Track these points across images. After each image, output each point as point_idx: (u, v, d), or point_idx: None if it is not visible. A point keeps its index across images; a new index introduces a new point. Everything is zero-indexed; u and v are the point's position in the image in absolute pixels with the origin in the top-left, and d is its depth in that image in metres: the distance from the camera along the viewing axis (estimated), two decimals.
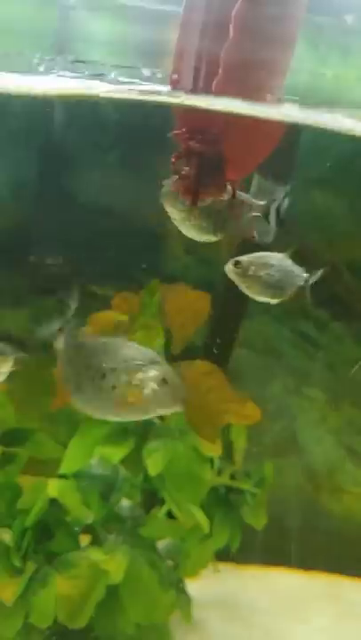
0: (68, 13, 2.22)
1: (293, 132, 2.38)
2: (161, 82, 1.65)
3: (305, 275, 1.88)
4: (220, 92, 1.27)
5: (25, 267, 2.64)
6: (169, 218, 2.44)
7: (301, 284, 1.88)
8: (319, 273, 1.90)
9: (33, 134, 2.63)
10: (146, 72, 1.76)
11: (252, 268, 1.84)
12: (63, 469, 2.03)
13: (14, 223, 2.57)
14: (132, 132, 2.52)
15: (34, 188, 2.70)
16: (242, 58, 1.23)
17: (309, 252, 2.63)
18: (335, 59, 2.29)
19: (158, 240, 2.65)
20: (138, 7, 2.15)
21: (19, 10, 2.21)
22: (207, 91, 1.28)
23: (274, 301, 1.87)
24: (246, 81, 1.26)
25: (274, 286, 1.86)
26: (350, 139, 2.48)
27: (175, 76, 1.35)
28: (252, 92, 1.28)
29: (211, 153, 1.30)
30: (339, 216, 2.68)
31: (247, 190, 2.53)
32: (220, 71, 1.24)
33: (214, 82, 1.26)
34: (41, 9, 2.26)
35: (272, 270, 1.85)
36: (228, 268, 1.78)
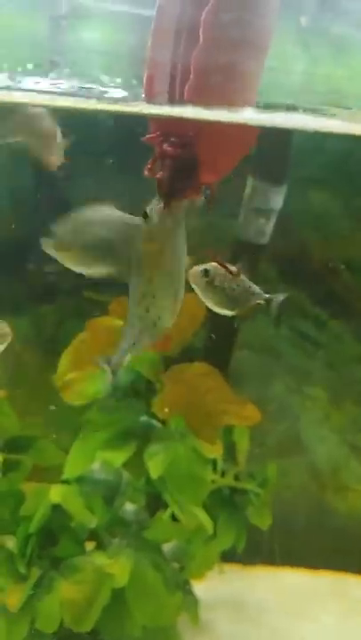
0: (60, 23, 2.24)
1: (285, 132, 2.40)
2: None
3: (265, 295, 1.82)
4: (192, 99, 1.28)
5: (24, 275, 2.65)
6: None
7: (261, 302, 1.82)
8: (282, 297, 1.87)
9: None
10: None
11: (218, 279, 1.79)
12: (66, 474, 2.05)
13: (12, 231, 2.59)
14: (124, 141, 2.54)
15: (31, 196, 2.72)
16: (212, 63, 1.24)
17: (306, 252, 2.65)
18: (327, 58, 2.30)
19: None
20: (130, 14, 2.16)
21: (7, 20, 2.23)
22: (181, 98, 1.29)
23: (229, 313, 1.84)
24: (218, 86, 1.26)
25: (234, 300, 1.82)
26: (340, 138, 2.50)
27: (148, 85, 1.36)
28: (224, 97, 1.29)
29: (184, 155, 1.30)
30: (335, 215, 2.69)
31: (241, 193, 2.55)
32: (192, 77, 1.25)
33: (186, 88, 1.26)
34: (31, 19, 2.28)
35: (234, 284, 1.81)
36: (194, 273, 1.70)
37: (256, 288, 1.74)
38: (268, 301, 1.78)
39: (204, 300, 1.74)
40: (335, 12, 1.83)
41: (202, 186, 1.35)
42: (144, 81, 1.38)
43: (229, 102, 1.30)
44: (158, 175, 1.32)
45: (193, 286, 1.72)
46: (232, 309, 1.77)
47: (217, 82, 1.26)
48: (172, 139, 1.30)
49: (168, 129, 1.33)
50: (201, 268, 1.71)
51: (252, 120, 1.37)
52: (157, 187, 1.32)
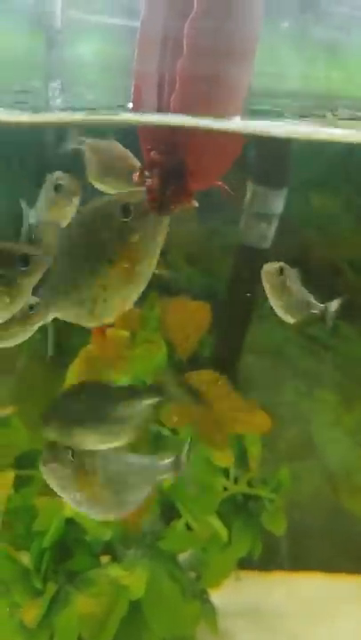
0: (55, 38, 2.25)
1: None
2: None
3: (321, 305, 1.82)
4: (178, 109, 1.28)
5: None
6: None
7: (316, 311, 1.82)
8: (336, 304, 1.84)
9: (27, 161, 2.66)
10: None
11: (290, 279, 1.74)
12: None
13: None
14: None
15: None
16: (197, 73, 1.24)
17: (309, 254, 2.64)
18: (323, 60, 2.30)
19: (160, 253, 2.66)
20: (126, 27, 2.17)
21: (3, 38, 2.24)
22: (169, 108, 1.30)
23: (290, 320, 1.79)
24: (204, 96, 1.27)
25: (298, 305, 1.78)
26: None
27: (136, 96, 1.36)
28: (210, 106, 1.29)
29: (172, 163, 1.30)
30: (336, 216, 2.69)
31: (242, 199, 2.56)
32: (177, 87, 1.25)
33: (172, 98, 1.27)
34: (27, 35, 2.29)
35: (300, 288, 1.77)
36: (270, 270, 1.67)
37: (311, 297, 1.76)
38: (322, 311, 1.82)
39: (273, 301, 1.70)
40: (317, 15, 1.83)
41: (192, 193, 1.35)
42: (132, 92, 1.38)
43: (215, 111, 1.30)
44: (147, 184, 1.32)
45: (265, 285, 1.69)
46: (294, 316, 1.76)
47: (202, 91, 1.26)
48: (160, 147, 1.30)
49: (156, 138, 1.33)
50: (276, 265, 1.69)
51: (240, 128, 1.37)
52: (147, 195, 1.32)
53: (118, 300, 1.36)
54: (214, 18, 1.23)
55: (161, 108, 1.32)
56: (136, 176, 1.33)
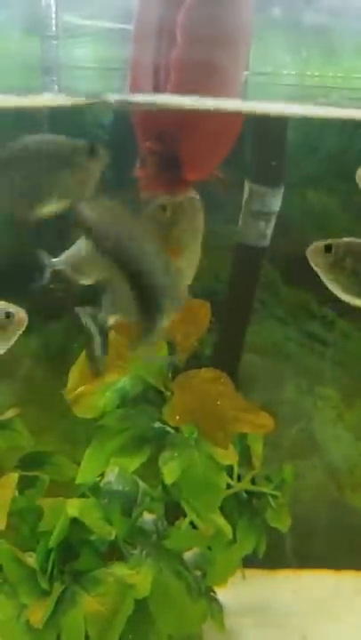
0: (51, 42, 2.27)
1: (281, 133, 2.42)
2: None
3: None
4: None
5: (30, 293, 2.67)
6: None
7: None
8: None
9: None
10: None
11: (348, 259, 1.50)
12: (78, 480, 2.07)
13: (15, 250, 2.61)
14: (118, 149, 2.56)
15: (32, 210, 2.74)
16: (191, 61, 1.26)
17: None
18: (318, 59, 2.32)
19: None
20: (121, 30, 2.19)
21: (1, 43, 2.26)
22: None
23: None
24: (198, 83, 1.28)
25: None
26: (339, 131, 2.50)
27: (133, 85, 1.38)
28: (205, 93, 1.31)
29: (168, 152, 1.32)
30: (333, 213, 2.70)
31: (239, 198, 2.57)
32: (172, 76, 1.27)
33: (168, 87, 1.29)
34: (23, 40, 2.31)
35: None
36: (314, 251, 1.48)
37: None
38: None
39: (328, 283, 1.51)
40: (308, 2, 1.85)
41: (188, 183, 1.37)
42: (128, 81, 1.41)
43: (211, 96, 1.32)
44: (142, 173, 1.34)
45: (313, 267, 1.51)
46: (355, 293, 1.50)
47: (197, 79, 1.28)
48: (155, 137, 1.32)
49: (151, 128, 1.35)
50: (322, 243, 1.50)
51: (239, 107, 1.39)
52: (142, 184, 1.34)
53: None
54: (208, 7, 1.25)
55: (157, 92, 1.35)
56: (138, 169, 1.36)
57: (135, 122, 1.44)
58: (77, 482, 2.09)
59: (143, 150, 1.36)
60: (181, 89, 1.28)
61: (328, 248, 1.48)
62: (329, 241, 1.49)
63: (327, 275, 1.49)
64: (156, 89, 1.35)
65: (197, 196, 1.41)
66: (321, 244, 1.50)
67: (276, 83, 2.08)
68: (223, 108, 1.38)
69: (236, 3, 1.28)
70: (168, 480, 1.96)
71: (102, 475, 2.17)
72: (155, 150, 1.31)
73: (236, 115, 1.52)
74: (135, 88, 1.39)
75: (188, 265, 1.47)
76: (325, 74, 2.26)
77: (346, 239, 1.51)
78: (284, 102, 1.75)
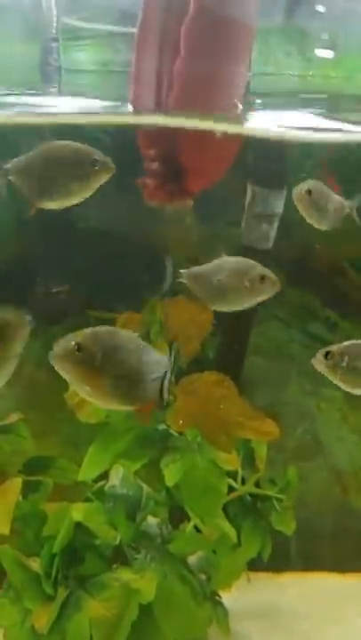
0: (51, 45, 2.27)
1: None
2: None
3: None
4: (176, 107, 1.29)
5: (32, 297, 2.67)
6: (168, 235, 2.46)
7: None
8: None
9: None
10: None
11: (346, 358, 1.76)
12: (80, 477, 2.07)
13: (17, 254, 2.61)
14: (120, 155, 2.56)
15: (33, 216, 2.74)
16: (194, 72, 1.25)
17: (311, 253, 2.64)
18: (322, 60, 2.31)
19: (160, 257, 2.67)
20: (120, 34, 2.18)
21: (1, 45, 2.26)
22: (167, 107, 1.31)
23: None
24: (201, 94, 1.28)
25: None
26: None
27: (135, 96, 1.38)
28: (207, 104, 1.30)
29: (170, 162, 1.32)
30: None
31: (242, 201, 2.56)
32: (175, 87, 1.27)
33: (171, 98, 1.28)
34: (24, 43, 2.31)
35: None
36: (317, 359, 1.72)
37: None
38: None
39: (340, 385, 1.72)
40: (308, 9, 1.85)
41: (190, 192, 1.37)
42: (130, 92, 1.40)
43: (213, 108, 1.32)
44: (146, 181, 1.34)
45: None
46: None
47: (199, 89, 1.28)
48: (158, 147, 1.32)
49: (154, 138, 1.35)
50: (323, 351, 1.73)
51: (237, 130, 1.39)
52: (146, 192, 1.34)
53: None
54: (211, 18, 1.25)
55: (159, 108, 1.34)
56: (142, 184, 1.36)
57: (139, 133, 1.44)
58: (79, 479, 2.08)
59: (146, 159, 1.36)
60: (183, 100, 1.28)
61: (327, 354, 1.71)
62: (328, 348, 1.72)
63: (332, 376, 1.72)
64: (158, 100, 1.35)
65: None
66: (321, 352, 1.72)
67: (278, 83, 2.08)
68: (222, 130, 1.38)
69: (240, 14, 1.27)
70: (169, 482, 1.96)
71: (106, 479, 2.17)
72: (157, 160, 1.31)
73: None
74: (137, 99, 1.38)
75: None
76: (328, 74, 2.25)
77: (345, 343, 1.75)
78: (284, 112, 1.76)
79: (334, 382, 1.74)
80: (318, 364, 1.72)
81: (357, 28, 2.01)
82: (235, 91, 1.31)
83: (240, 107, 1.38)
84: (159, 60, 1.32)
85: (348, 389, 1.76)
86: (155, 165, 1.31)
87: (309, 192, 1.88)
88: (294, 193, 1.83)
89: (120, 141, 2.56)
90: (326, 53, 2.04)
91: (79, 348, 1.50)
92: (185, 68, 1.25)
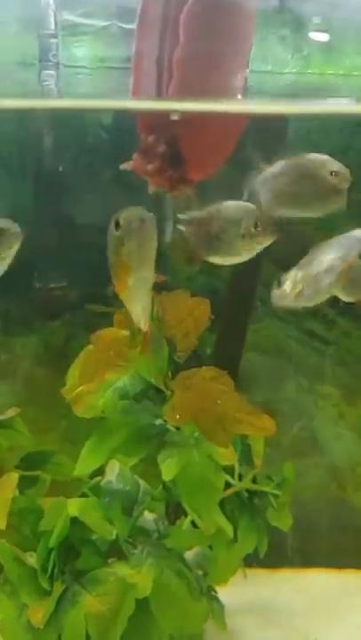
0: (49, 41, 2.26)
1: (280, 131, 2.41)
2: None
3: None
4: (177, 92, 1.29)
5: (30, 293, 2.67)
6: (168, 230, 2.46)
7: None
8: None
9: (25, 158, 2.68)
10: None
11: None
12: (76, 472, 2.07)
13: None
14: (119, 148, 2.56)
15: (33, 214, 2.75)
16: (194, 56, 1.25)
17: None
18: (319, 57, 2.31)
19: (159, 253, 2.67)
20: (120, 28, 2.18)
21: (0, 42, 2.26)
22: (167, 93, 1.31)
23: None
24: (201, 78, 1.28)
25: None
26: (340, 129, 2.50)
27: (136, 79, 1.38)
28: (208, 88, 1.30)
29: (170, 149, 1.32)
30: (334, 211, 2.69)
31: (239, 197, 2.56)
32: (175, 72, 1.27)
33: (171, 85, 1.28)
34: (21, 38, 2.30)
35: None
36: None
37: None
38: None
39: None
40: None
41: (191, 180, 1.36)
42: (131, 81, 1.40)
43: (214, 92, 1.31)
44: (149, 167, 1.33)
45: None
46: None
47: (199, 76, 1.28)
48: (158, 133, 1.32)
49: (154, 124, 1.35)
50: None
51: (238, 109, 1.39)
52: (150, 177, 1.34)
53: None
54: (209, 4, 1.24)
55: (160, 94, 1.34)
56: (130, 164, 1.35)
57: (139, 118, 1.44)
58: (75, 473, 2.08)
59: (145, 145, 1.35)
60: (184, 87, 1.28)
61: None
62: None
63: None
64: (160, 87, 1.35)
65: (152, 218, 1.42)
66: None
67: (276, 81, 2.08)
68: (225, 110, 1.38)
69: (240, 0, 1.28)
70: (166, 477, 1.96)
71: (102, 474, 2.17)
72: (157, 145, 1.31)
73: (240, 115, 1.52)
74: (138, 86, 1.38)
75: (137, 286, 1.50)
76: (326, 72, 2.25)
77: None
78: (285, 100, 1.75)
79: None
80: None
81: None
82: (235, 76, 1.31)
83: (240, 96, 1.38)
84: (160, 49, 1.32)
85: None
86: (154, 150, 1.31)
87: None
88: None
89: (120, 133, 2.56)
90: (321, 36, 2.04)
91: None
92: (184, 54, 1.25)
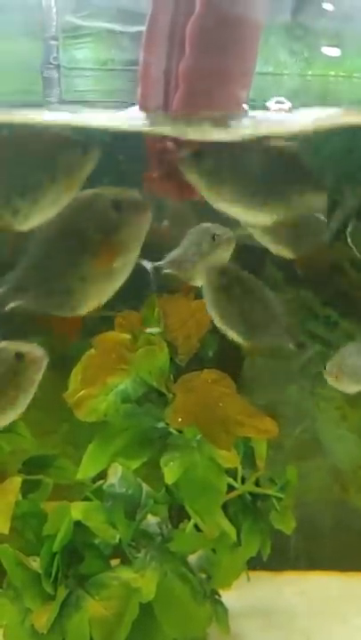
0: (51, 44, 2.26)
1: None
2: None
3: None
4: (182, 107, 1.29)
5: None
6: (171, 232, 2.45)
7: None
8: None
9: None
10: None
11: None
12: (79, 475, 2.08)
13: (16, 253, 2.61)
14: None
15: None
16: (200, 70, 1.25)
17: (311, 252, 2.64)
18: (320, 60, 2.31)
19: (162, 255, 2.67)
20: (121, 32, 2.18)
21: (2, 45, 2.26)
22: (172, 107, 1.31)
23: None
24: (207, 92, 1.28)
25: None
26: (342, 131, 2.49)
27: (143, 96, 1.38)
28: (213, 102, 1.30)
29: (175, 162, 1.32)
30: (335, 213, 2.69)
31: None
32: (180, 85, 1.27)
33: (176, 98, 1.28)
34: (25, 42, 2.30)
35: None
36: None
37: None
38: None
39: None
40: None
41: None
42: (138, 92, 1.40)
43: (218, 107, 1.31)
44: (155, 174, 1.33)
45: None
46: None
47: (205, 88, 1.28)
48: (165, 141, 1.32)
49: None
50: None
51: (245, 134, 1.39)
52: (157, 185, 1.34)
53: (95, 293, 1.40)
54: (217, 15, 1.24)
55: (167, 105, 1.34)
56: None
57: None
58: (78, 477, 2.08)
59: (153, 153, 1.35)
60: (189, 99, 1.28)
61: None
62: None
63: None
64: (167, 98, 1.35)
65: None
66: None
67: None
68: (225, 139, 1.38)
69: (247, 11, 1.27)
70: (168, 480, 1.96)
71: (105, 477, 2.16)
72: (164, 153, 1.31)
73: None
74: (145, 96, 1.38)
75: (123, 267, 1.49)
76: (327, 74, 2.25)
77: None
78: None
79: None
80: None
81: None
82: (241, 89, 1.31)
83: (245, 107, 1.38)
84: (167, 60, 1.32)
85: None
86: (161, 158, 1.31)
87: None
88: None
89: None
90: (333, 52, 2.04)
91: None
92: (189, 66, 1.25)
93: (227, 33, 1.26)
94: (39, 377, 1.63)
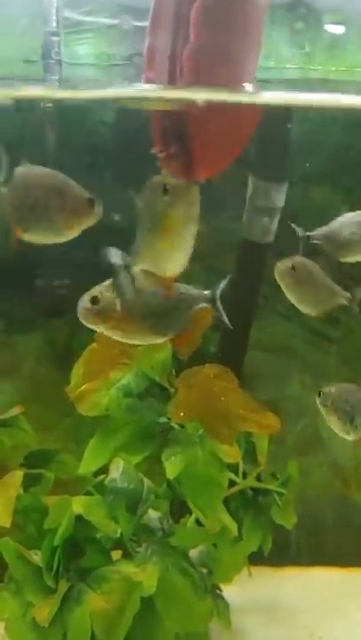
0: (51, 39, 2.26)
1: (282, 129, 2.41)
2: None
3: None
4: (188, 84, 1.29)
5: (34, 291, 2.67)
6: None
7: None
8: None
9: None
10: None
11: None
12: (81, 469, 2.08)
13: (17, 249, 2.61)
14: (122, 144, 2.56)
15: None
16: (205, 48, 1.25)
17: (312, 247, 2.64)
18: (321, 54, 2.31)
19: None
20: (122, 27, 2.18)
21: (2, 39, 2.26)
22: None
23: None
24: (213, 70, 1.28)
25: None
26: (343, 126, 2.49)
27: (149, 75, 1.38)
28: (219, 80, 1.30)
29: (180, 139, 1.32)
30: (337, 208, 2.69)
31: (243, 195, 2.56)
32: (186, 66, 1.27)
33: (182, 79, 1.28)
34: (25, 37, 2.30)
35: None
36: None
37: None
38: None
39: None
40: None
41: (195, 178, 1.36)
42: (144, 68, 1.40)
43: (225, 85, 1.31)
44: (164, 153, 1.33)
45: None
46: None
47: (211, 68, 1.27)
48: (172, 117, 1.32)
49: (165, 116, 1.35)
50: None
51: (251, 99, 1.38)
52: (165, 163, 1.34)
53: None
54: None
55: (172, 83, 1.34)
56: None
57: (152, 119, 1.44)
58: (79, 472, 2.09)
59: (158, 137, 1.35)
60: (195, 79, 1.28)
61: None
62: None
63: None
64: (172, 78, 1.35)
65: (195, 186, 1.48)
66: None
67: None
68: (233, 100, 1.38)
69: None
70: (170, 475, 1.96)
71: (107, 472, 2.17)
72: (168, 135, 1.31)
73: (251, 112, 1.52)
74: (151, 80, 1.38)
75: (177, 250, 1.63)
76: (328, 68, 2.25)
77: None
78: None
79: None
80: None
81: None
82: (246, 70, 1.30)
83: (250, 87, 1.38)
84: (173, 44, 1.32)
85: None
86: (165, 139, 1.31)
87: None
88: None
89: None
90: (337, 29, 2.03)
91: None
92: (195, 49, 1.25)
93: (231, 14, 1.26)
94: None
